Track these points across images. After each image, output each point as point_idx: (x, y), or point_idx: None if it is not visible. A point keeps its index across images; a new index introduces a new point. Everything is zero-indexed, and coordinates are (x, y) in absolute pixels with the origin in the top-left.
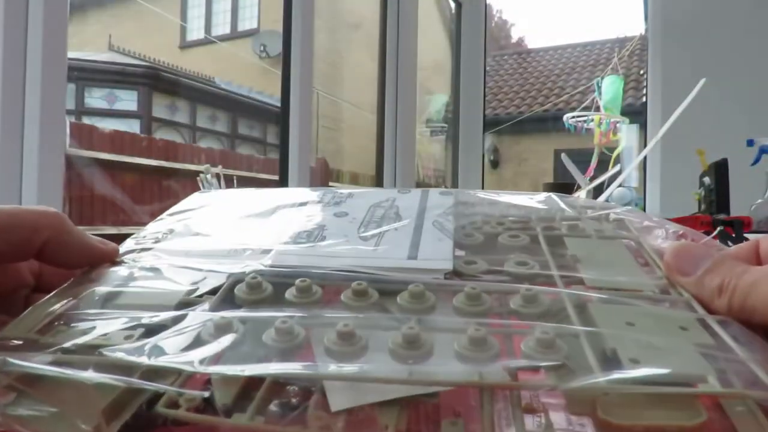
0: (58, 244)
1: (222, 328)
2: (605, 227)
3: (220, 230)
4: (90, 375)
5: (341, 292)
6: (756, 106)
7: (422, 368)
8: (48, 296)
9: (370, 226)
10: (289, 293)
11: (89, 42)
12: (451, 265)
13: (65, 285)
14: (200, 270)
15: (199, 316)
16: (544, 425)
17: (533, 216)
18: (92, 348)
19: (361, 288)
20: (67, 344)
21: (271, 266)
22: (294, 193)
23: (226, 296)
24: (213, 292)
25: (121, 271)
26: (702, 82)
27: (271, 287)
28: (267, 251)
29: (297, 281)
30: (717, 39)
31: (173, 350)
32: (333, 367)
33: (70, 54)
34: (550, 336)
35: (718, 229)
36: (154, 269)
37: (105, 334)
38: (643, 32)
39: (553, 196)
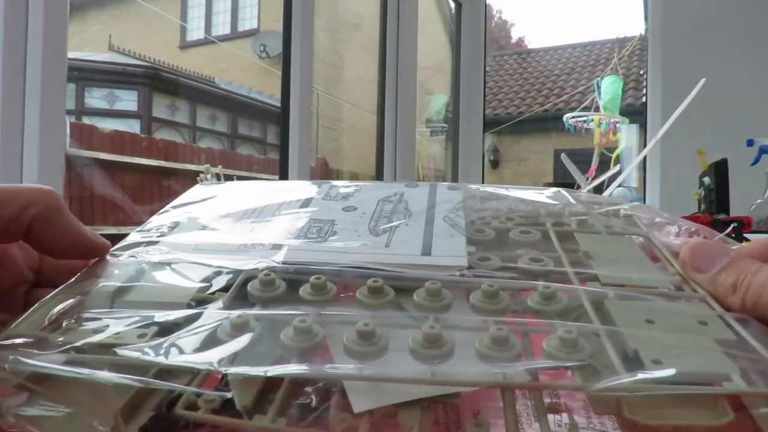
0: (47, 224)
1: (239, 327)
2: (614, 223)
3: (227, 224)
4: (108, 375)
5: (355, 289)
6: (756, 106)
7: (445, 368)
8: (54, 292)
9: (381, 221)
10: (303, 290)
11: (89, 42)
12: (466, 261)
13: (71, 281)
14: (210, 266)
15: (213, 314)
16: (569, 426)
17: (542, 211)
18: (105, 347)
19: (377, 285)
20: (78, 343)
21: (284, 262)
22: (300, 186)
23: (238, 293)
24: (224, 288)
25: (128, 266)
26: (702, 82)
27: (284, 284)
28: (277, 246)
29: (312, 278)
30: (717, 39)
31: (190, 349)
32: (356, 368)
33: (70, 54)
34: (573, 335)
35: (732, 225)
36: (163, 264)
37: (118, 333)
38: (643, 32)
39: (563, 191)
